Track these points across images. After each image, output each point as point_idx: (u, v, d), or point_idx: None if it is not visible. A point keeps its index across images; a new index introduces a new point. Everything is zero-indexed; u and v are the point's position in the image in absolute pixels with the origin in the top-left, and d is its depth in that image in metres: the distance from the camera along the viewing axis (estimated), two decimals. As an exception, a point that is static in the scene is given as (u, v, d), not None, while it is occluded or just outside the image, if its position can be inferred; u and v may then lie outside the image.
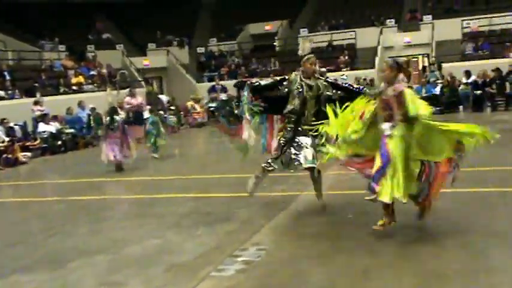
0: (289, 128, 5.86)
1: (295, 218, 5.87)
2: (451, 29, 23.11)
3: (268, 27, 28.44)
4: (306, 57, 5.79)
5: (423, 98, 16.86)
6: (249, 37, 29.08)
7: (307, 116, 5.80)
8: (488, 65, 18.07)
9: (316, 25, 27.27)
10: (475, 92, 16.57)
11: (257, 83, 6.17)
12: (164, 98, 21.05)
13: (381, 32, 24.58)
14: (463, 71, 17.86)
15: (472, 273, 3.92)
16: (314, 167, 5.75)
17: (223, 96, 20.90)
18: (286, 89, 5.87)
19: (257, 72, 23.55)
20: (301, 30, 26.60)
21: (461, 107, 16.89)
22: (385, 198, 4.66)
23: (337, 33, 25.62)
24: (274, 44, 27.09)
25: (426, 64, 24.09)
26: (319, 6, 29.97)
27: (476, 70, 17.34)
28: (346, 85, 6.04)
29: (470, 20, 23.39)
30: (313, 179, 5.94)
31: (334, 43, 25.25)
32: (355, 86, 6.21)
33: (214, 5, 31.07)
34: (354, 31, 25.27)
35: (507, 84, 16.72)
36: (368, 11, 27.94)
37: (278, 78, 6.15)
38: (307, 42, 6.09)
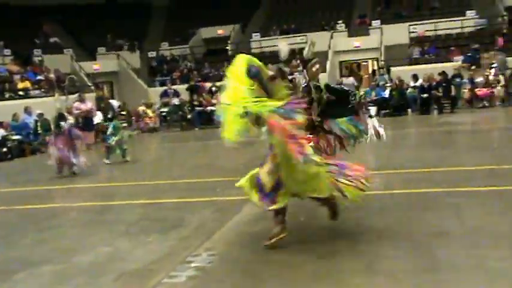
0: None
1: (248, 222, 5.85)
2: (398, 33, 23.76)
3: (220, 31, 28.46)
4: (314, 60, 5.69)
5: (374, 101, 17.17)
6: (201, 41, 29.00)
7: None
8: (434, 68, 18.67)
9: (268, 29, 27.46)
10: (422, 95, 17.06)
11: None
12: (115, 103, 20.61)
13: (331, 37, 25.02)
14: (410, 74, 18.38)
15: (420, 271, 4.01)
16: None
17: (175, 101, 20.76)
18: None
19: (210, 76, 23.49)
20: (254, 34, 26.78)
21: (409, 110, 17.36)
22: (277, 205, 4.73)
23: (288, 37, 25.88)
24: (227, 48, 27.11)
25: (376, 68, 24.69)
26: (270, 11, 30.23)
27: (423, 74, 17.87)
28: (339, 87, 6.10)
29: (417, 25, 24.13)
30: None
31: (286, 47, 25.45)
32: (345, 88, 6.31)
33: (165, 9, 30.81)
34: (305, 35, 25.57)
35: (452, 87, 17.31)
36: (318, 16, 28.40)
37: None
38: (312, 45, 6.15)
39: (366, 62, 27.68)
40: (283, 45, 5.33)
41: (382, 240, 4.82)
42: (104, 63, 25.53)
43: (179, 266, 4.57)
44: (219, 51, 27.34)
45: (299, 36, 25.70)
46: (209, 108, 19.18)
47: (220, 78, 22.27)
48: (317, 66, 5.78)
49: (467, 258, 4.19)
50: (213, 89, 20.80)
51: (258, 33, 26.67)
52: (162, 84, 23.57)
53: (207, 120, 18.67)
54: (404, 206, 5.88)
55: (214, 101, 19.40)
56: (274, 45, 25.44)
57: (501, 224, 5.00)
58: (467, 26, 23.69)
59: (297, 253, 4.65)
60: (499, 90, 18.11)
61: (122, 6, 27.97)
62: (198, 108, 19.46)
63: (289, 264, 4.41)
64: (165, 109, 20.61)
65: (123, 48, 26.83)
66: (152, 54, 26.96)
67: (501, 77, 18.28)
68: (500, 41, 20.82)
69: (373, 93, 17.66)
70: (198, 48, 28.06)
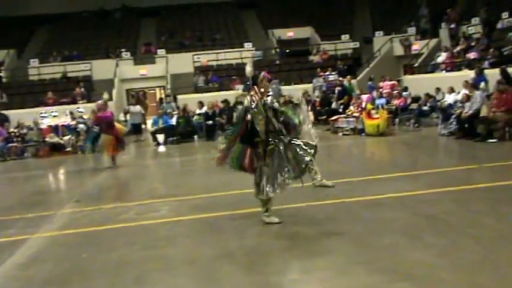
0: (275, 141, 5.90)
1: (22, 265, 5.31)
2: (183, 62, 24.55)
3: (-9, 57, 26.06)
4: (261, 77, 6.06)
5: (162, 129, 17.10)
6: (-33, 67, 26.13)
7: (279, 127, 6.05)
8: (218, 96, 19.65)
9: (47, 56, 25.96)
10: (207, 121, 17.73)
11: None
12: None
13: (117, 64, 24.70)
14: (196, 102, 19.01)
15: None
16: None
17: None
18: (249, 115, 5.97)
19: (-20, 105, 21.20)
20: (31, 60, 25.12)
21: (196, 137, 17.87)
22: None
23: (71, 64, 24.86)
24: (0, 75, 24.89)
25: (163, 96, 25.04)
26: (49, 37, 28.70)
27: (207, 101, 18.63)
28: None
29: (200, 54, 25.22)
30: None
31: (69, 75, 24.41)
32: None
33: None
34: (89, 63, 24.82)
35: (235, 113, 18.35)
36: (103, 43, 27.85)
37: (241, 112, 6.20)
38: (250, 65, 6.29)
39: (153, 90, 27.93)
40: None
41: (168, 268, 4.78)
42: None
43: None
44: (-10, 78, 24.96)
45: (83, 63, 24.87)
46: (-19, 141, 17.20)
47: (-6, 107, 20.27)
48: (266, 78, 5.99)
49: (248, 278, 4.37)
50: (-14, 119, 18.77)
51: (36, 60, 25.07)
52: None
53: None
54: (187, 232, 5.94)
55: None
56: (56, 72, 24.19)
57: (275, 240, 5.37)
58: (246, 57, 25.51)
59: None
60: (275, 116, 19.78)
61: None
62: (-34, 141, 17.29)
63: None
64: None
65: None
66: None
67: (276, 104, 20.01)
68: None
69: (161, 121, 17.78)
70: (-38, 75, 25.23)
